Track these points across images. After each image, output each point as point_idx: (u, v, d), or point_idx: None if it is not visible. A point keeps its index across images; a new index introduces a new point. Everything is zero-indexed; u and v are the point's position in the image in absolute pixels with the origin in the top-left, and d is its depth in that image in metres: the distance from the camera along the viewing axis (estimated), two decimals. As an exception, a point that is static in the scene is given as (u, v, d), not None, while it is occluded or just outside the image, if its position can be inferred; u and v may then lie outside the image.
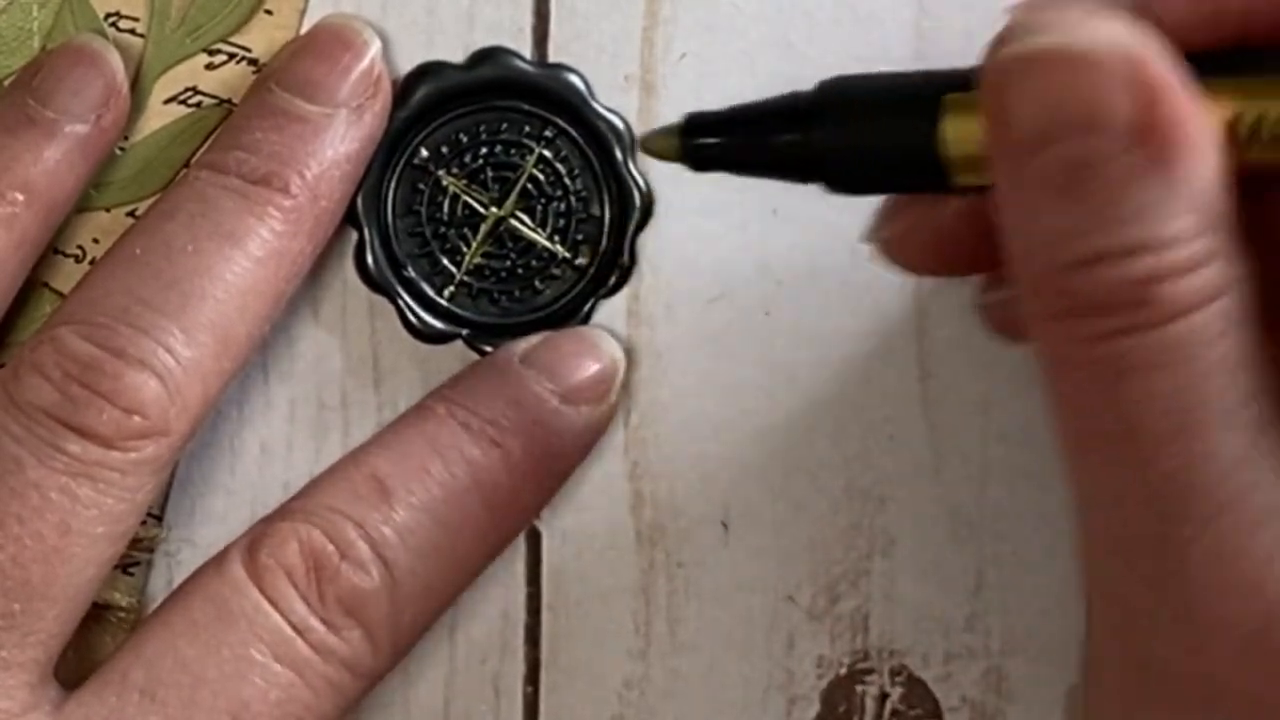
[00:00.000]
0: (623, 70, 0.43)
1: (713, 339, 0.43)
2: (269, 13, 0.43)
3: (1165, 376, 0.33)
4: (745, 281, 0.43)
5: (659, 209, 0.43)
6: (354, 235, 0.43)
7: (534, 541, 0.44)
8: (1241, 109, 0.34)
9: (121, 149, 0.43)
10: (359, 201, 0.43)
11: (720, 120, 0.38)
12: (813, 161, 0.37)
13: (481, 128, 0.43)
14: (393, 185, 0.43)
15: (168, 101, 0.43)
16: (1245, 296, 0.33)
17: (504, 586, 0.44)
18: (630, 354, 0.44)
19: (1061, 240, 0.33)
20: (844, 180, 0.37)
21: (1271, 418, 0.33)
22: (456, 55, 0.43)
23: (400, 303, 0.43)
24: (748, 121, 0.38)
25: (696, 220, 0.43)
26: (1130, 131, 0.33)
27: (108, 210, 0.44)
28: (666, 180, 0.43)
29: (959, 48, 0.43)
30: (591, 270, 0.44)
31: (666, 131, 0.38)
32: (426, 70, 0.43)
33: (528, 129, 0.43)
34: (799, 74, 0.43)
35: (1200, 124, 0.33)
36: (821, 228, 0.43)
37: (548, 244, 0.44)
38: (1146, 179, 0.33)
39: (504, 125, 0.44)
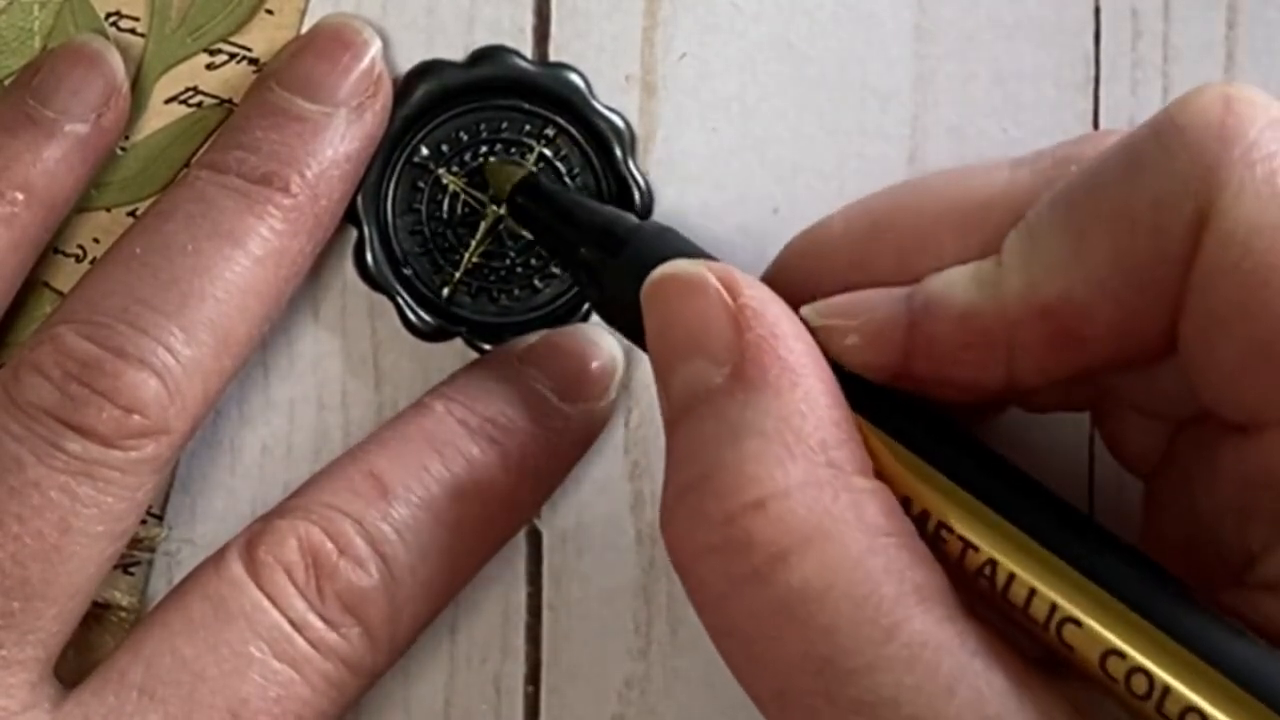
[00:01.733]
0: (623, 70, 0.44)
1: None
2: (270, 12, 0.43)
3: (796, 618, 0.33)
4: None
5: (659, 209, 0.44)
6: (353, 233, 0.43)
7: (534, 541, 0.44)
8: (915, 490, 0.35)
9: (122, 149, 0.43)
10: (359, 199, 0.43)
11: (552, 196, 0.41)
12: (588, 285, 0.40)
13: (482, 126, 0.44)
14: (393, 183, 0.44)
15: (168, 101, 0.44)
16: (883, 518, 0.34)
17: (504, 586, 0.44)
18: (630, 354, 0.44)
19: (673, 475, 0.35)
20: (606, 318, 0.40)
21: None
22: (456, 55, 0.44)
23: (399, 301, 0.43)
24: (567, 216, 0.41)
25: (696, 220, 0.43)
26: (726, 355, 0.35)
27: (108, 210, 0.44)
28: (667, 181, 0.44)
29: (959, 48, 0.43)
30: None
31: (510, 172, 0.42)
32: (427, 69, 0.43)
33: (528, 128, 0.44)
34: (799, 74, 0.44)
35: (797, 350, 0.35)
36: (821, 228, 0.44)
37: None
38: (737, 405, 0.34)
39: (504, 124, 0.44)
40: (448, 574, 0.42)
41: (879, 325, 0.36)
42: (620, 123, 0.44)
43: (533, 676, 0.44)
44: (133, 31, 0.43)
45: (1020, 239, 0.35)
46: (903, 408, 0.36)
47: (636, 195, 0.43)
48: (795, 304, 0.37)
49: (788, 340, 0.35)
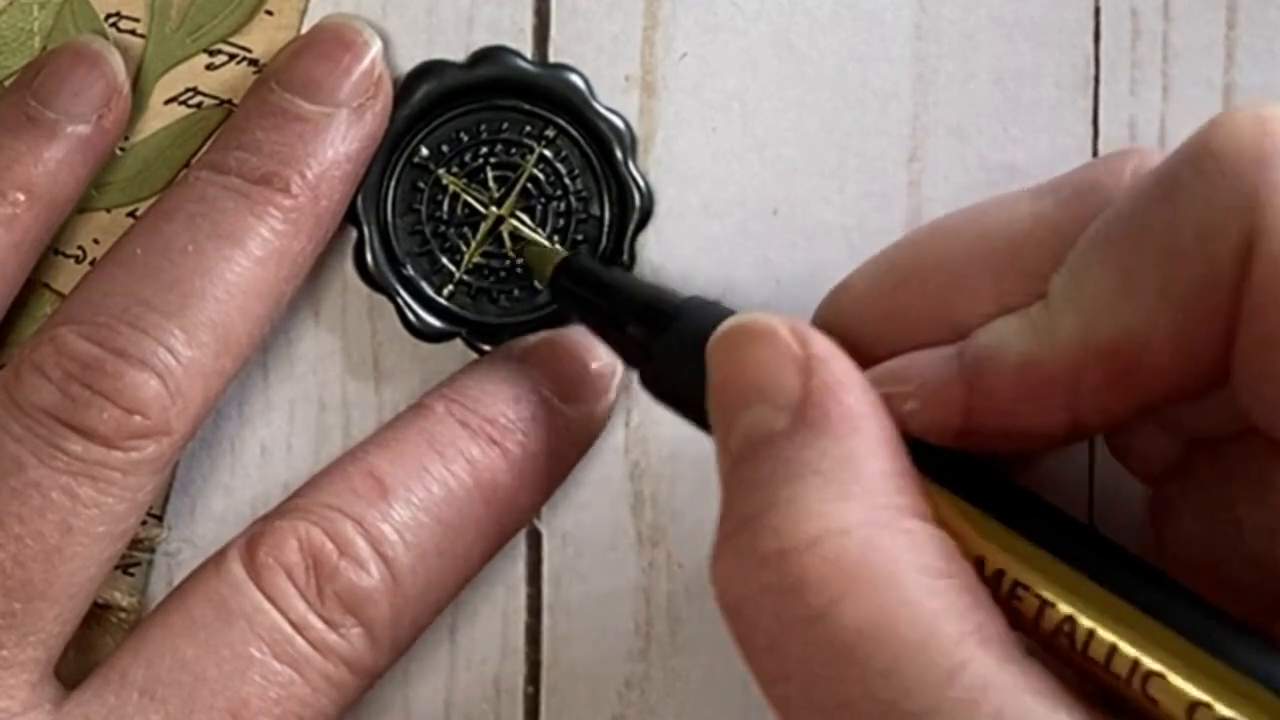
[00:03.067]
0: (623, 70, 0.44)
1: None
2: (270, 13, 0.43)
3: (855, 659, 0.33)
4: (745, 281, 0.43)
5: (659, 210, 0.44)
6: (353, 233, 0.43)
7: (534, 542, 0.44)
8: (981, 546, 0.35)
9: (122, 149, 0.43)
10: (359, 199, 0.43)
11: (596, 274, 0.42)
12: (639, 362, 0.40)
13: (482, 127, 0.44)
14: (393, 184, 0.44)
15: (168, 102, 0.44)
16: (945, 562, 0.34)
17: (505, 587, 0.44)
18: None
19: (727, 516, 0.35)
20: (656, 393, 0.40)
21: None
22: (457, 55, 0.44)
23: (399, 301, 0.43)
24: (612, 295, 0.41)
25: (697, 221, 0.44)
26: (790, 401, 0.35)
27: (108, 210, 0.44)
28: (667, 181, 0.44)
29: (959, 48, 0.43)
30: None
31: (549, 255, 0.42)
32: (427, 69, 0.43)
33: (528, 128, 0.44)
34: (799, 74, 0.43)
35: (862, 398, 0.35)
36: (821, 228, 0.44)
37: (547, 244, 0.44)
38: (797, 446, 0.34)
39: (504, 124, 0.44)
40: (448, 575, 0.42)
41: (935, 386, 0.36)
42: (620, 123, 0.44)
43: (533, 677, 0.44)
44: (133, 32, 0.43)
45: (1066, 281, 0.35)
46: (962, 469, 0.36)
47: (636, 196, 0.43)
48: None
49: (853, 388, 0.35)
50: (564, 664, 0.44)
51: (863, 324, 0.38)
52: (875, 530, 0.33)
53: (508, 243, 0.44)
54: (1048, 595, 0.34)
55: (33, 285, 0.43)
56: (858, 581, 0.33)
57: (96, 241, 0.44)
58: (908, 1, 0.43)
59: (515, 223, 0.44)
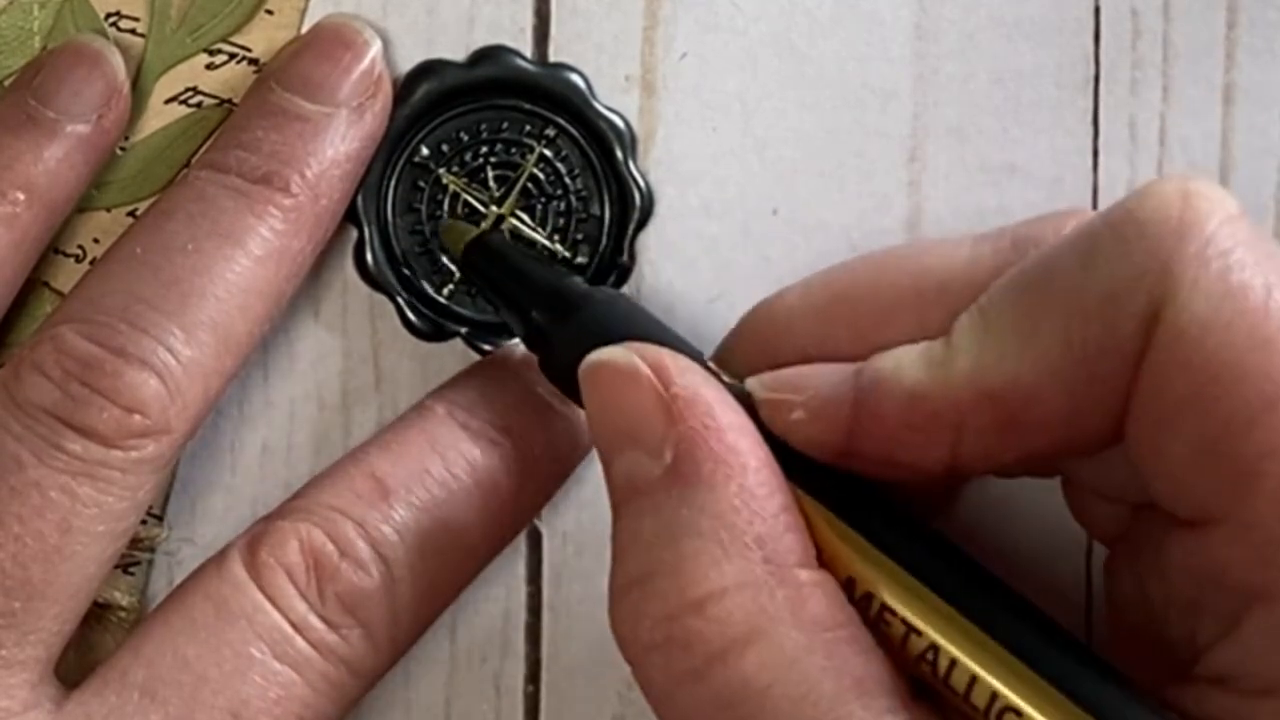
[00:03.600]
0: (623, 70, 0.44)
1: (713, 339, 0.42)
2: (270, 13, 0.43)
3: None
4: (745, 281, 0.43)
5: (660, 210, 0.44)
6: (354, 233, 0.43)
7: (534, 541, 0.44)
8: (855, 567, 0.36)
9: (122, 149, 0.43)
10: (359, 199, 0.43)
11: (506, 256, 0.42)
12: (538, 348, 0.40)
13: (482, 126, 0.44)
14: (393, 183, 0.44)
15: (168, 101, 0.44)
16: (826, 611, 0.35)
17: (505, 586, 0.44)
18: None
19: (617, 568, 0.36)
20: (554, 381, 0.40)
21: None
22: (457, 55, 0.44)
23: (399, 300, 0.44)
24: (519, 278, 0.41)
25: (697, 220, 0.44)
26: (660, 447, 0.35)
27: (108, 210, 0.44)
28: (667, 181, 0.44)
29: (959, 48, 0.43)
30: (591, 270, 0.44)
31: (462, 231, 0.42)
32: (428, 68, 0.43)
33: (528, 128, 0.44)
34: (799, 74, 0.43)
35: (730, 440, 0.35)
36: (821, 228, 0.44)
37: (547, 243, 0.44)
38: (674, 502, 0.35)
39: (505, 124, 0.44)
40: (449, 575, 0.42)
41: (825, 401, 0.36)
42: (620, 123, 0.44)
43: (533, 676, 0.44)
44: (133, 32, 0.43)
45: (972, 322, 0.35)
46: (849, 486, 0.36)
47: (637, 195, 0.43)
48: (750, 372, 0.37)
49: (721, 431, 0.35)
50: (564, 663, 0.44)
51: (790, 337, 0.39)
52: (755, 590, 0.34)
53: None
54: (912, 622, 0.35)
55: (33, 285, 0.43)
56: (739, 642, 0.34)
57: (96, 241, 0.44)
58: (908, 1, 0.43)
59: (515, 222, 0.44)
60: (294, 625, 0.41)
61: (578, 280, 0.41)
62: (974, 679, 0.34)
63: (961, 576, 0.35)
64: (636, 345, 0.37)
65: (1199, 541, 0.35)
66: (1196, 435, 0.33)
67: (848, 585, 0.35)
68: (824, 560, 0.35)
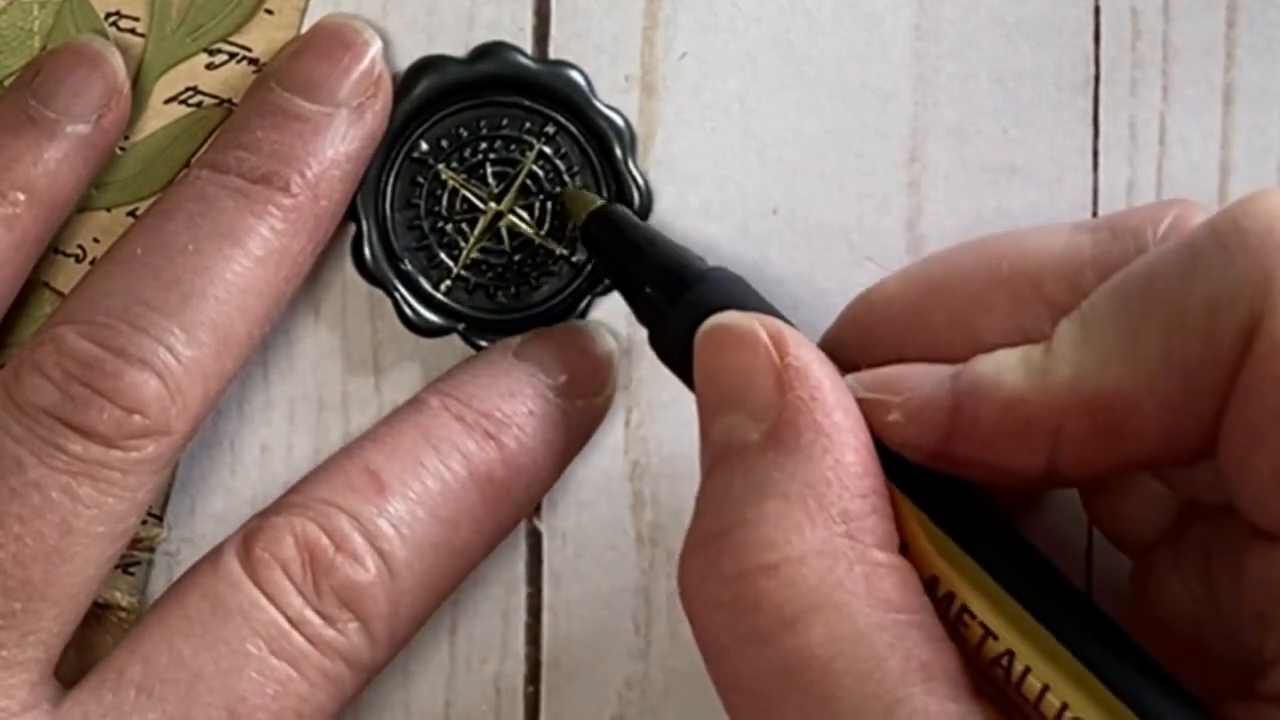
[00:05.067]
0: (623, 70, 0.44)
1: None
2: (269, 12, 0.43)
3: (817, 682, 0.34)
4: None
5: (660, 209, 0.44)
6: (352, 229, 0.44)
7: (534, 542, 0.44)
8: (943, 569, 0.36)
9: (122, 149, 0.44)
10: (358, 194, 0.43)
11: (626, 229, 0.42)
12: (651, 324, 0.40)
13: (482, 123, 0.44)
14: (392, 178, 0.44)
15: (168, 101, 0.44)
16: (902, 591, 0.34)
17: (504, 587, 0.44)
18: (631, 354, 0.44)
19: (697, 524, 0.36)
20: (663, 358, 0.40)
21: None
22: (457, 55, 0.44)
23: (397, 296, 0.44)
24: (637, 253, 0.41)
25: (697, 220, 0.44)
26: (765, 413, 0.35)
27: (108, 210, 0.44)
28: (667, 181, 0.44)
29: (959, 48, 0.43)
30: (588, 268, 0.44)
31: (586, 200, 0.42)
32: (428, 64, 0.44)
33: (528, 125, 0.44)
34: (799, 74, 0.43)
35: (835, 418, 0.35)
36: (821, 228, 0.44)
37: (545, 240, 0.44)
38: (768, 465, 0.35)
39: (504, 121, 0.44)
40: (445, 569, 0.42)
41: (922, 404, 0.36)
42: (620, 121, 0.44)
43: (533, 677, 0.44)
44: (133, 31, 0.43)
45: (1073, 329, 0.35)
46: (940, 486, 0.36)
47: (635, 195, 0.44)
48: (853, 367, 0.37)
49: (827, 405, 0.35)
50: (564, 664, 0.44)
51: (889, 326, 0.39)
52: (833, 561, 0.34)
53: (506, 239, 0.44)
54: (992, 626, 0.35)
55: (33, 285, 0.43)
56: (809, 610, 0.34)
57: (96, 241, 0.44)
58: (908, 1, 0.44)
59: (514, 219, 0.44)
60: (290, 620, 0.41)
61: (698, 258, 0.41)
62: (1046, 688, 0.34)
63: (1044, 585, 0.35)
64: (757, 315, 0.37)
65: (1278, 557, 0.34)
66: None
67: (930, 584, 0.35)
68: (909, 556, 0.35)
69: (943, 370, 0.36)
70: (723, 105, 0.44)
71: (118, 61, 0.43)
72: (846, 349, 0.38)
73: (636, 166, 0.44)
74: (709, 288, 0.39)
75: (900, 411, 0.36)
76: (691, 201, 0.44)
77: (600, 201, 0.43)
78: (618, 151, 0.44)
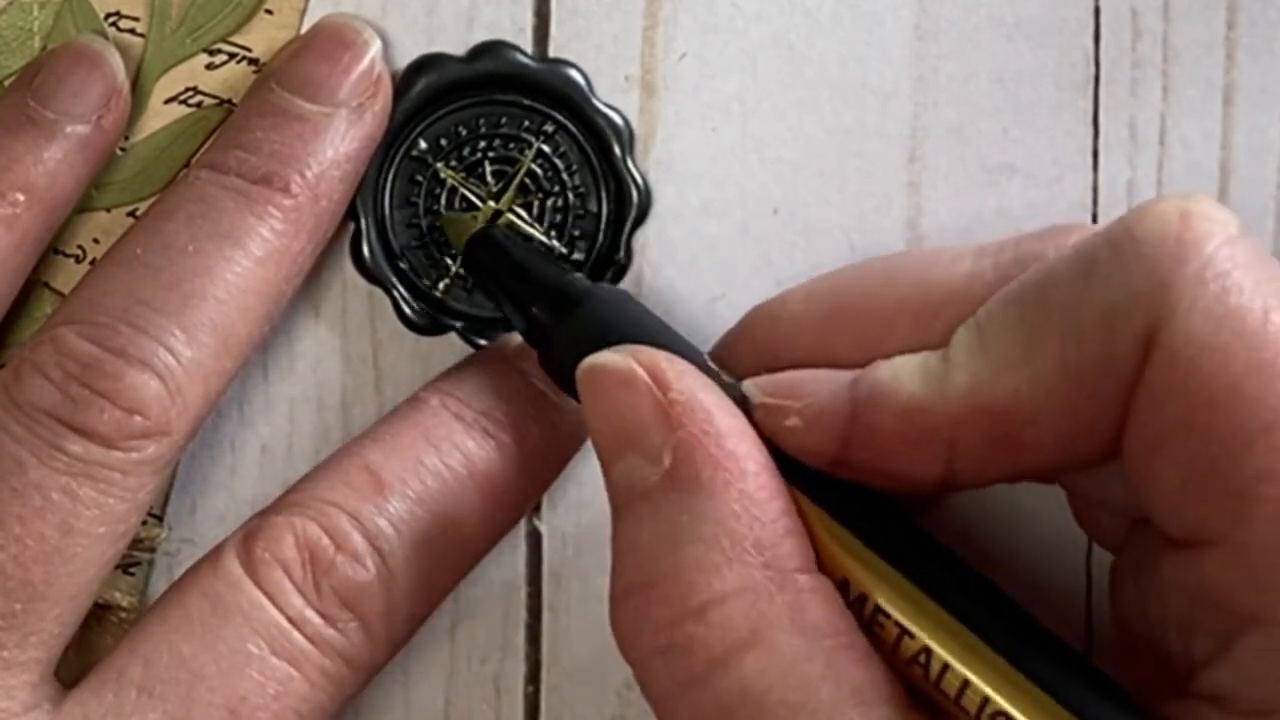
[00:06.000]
0: (623, 70, 0.44)
1: (712, 339, 0.43)
2: (269, 12, 0.44)
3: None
4: (745, 281, 0.44)
5: (659, 210, 0.44)
6: (350, 226, 0.44)
7: (534, 542, 0.45)
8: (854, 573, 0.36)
9: (122, 149, 0.44)
10: (356, 192, 0.43)
11: (508, 251, 0.42)
12: (539, 344, 0.40)
13: (481, 121, 0.44)
14: (390, 176, 0.44)
15: (168, 101, 0.44)
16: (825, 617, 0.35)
17: (505, 587, 0.45)
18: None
19: (618, 573, 0.36)
20: (555, 378, 0.40)
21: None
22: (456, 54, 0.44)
23: (395, 294, 0.44)
24: (521, 274, 0.41)
25: (696, 220, 0.44)
26: (658, 453, 0.35)
27: (108, 210, 0.44)
28: (667, 181, 0.44)
29: (959, 48, 0.43)
30: (587, 266, 0.44)
31: (465, 224, 0.42)
32: (427, 63, 0.44)
33: (527, 124, 0.44)
34: (799, 74, 0.43)
35: (729, 446, 0.35)
36: (821, 228, 0.44)
37: (544, 239, 0.44)
38: (673, 507, 0.35)
39: (503, 119, 0.44)
40: (445, 568, 0.42)
41: (820, 410, 0.36)
42: (619, 120, 0.44)
43: (533, 676, 0.45)
44: (133, 32, 0.43)
45: (969, 337, 0.36)
46: (843, 488, 0.36)
47: (634, 193, 0.44)
48: (749, 374, 0.37)
49: (720, 436, 0.35)
50: (564, 663, 0.45)
51: (791, 340, 0.39)
52: (755, 595, 0.35)
53: None
54: (907, 625, 0.35)
55: (33, 285, 0.43)
56: (738, 648, 0.34)
57: (96, 241, 0.44)
58: (908, 1, 0.44)
59: (512, 217, 0.44)
60: (290, 620, 0.41)
61: (579, 277, 0.41)
62: (965, 683, 0.34)
63: (955, 580, 0.36)
64: (633, 348, 0.37)
65: (1194, 562, 0.35)
66: (1192, 457, 0.34)
67: (842, 587, 0.36)
68: (819, 563, 0.36)
69: (841, 376, 0.37)
70: (723, 105, 0.44)
71: (117, 62, 0.43)
72: (744, 358, 0.39)
73: (636, 166, 0.44)
74: (593, 308, 0.40)
75: (799, 417, 0.36)
76: (691, 201, 0.44)
77: (479, 225, 0.43)
78: (617, 151, 0.44)
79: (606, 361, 0.37)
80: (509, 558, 0.45)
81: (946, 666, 0.35)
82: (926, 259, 0.39)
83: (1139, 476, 0.35)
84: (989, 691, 0.34)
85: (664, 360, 0.37)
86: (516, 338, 0.44)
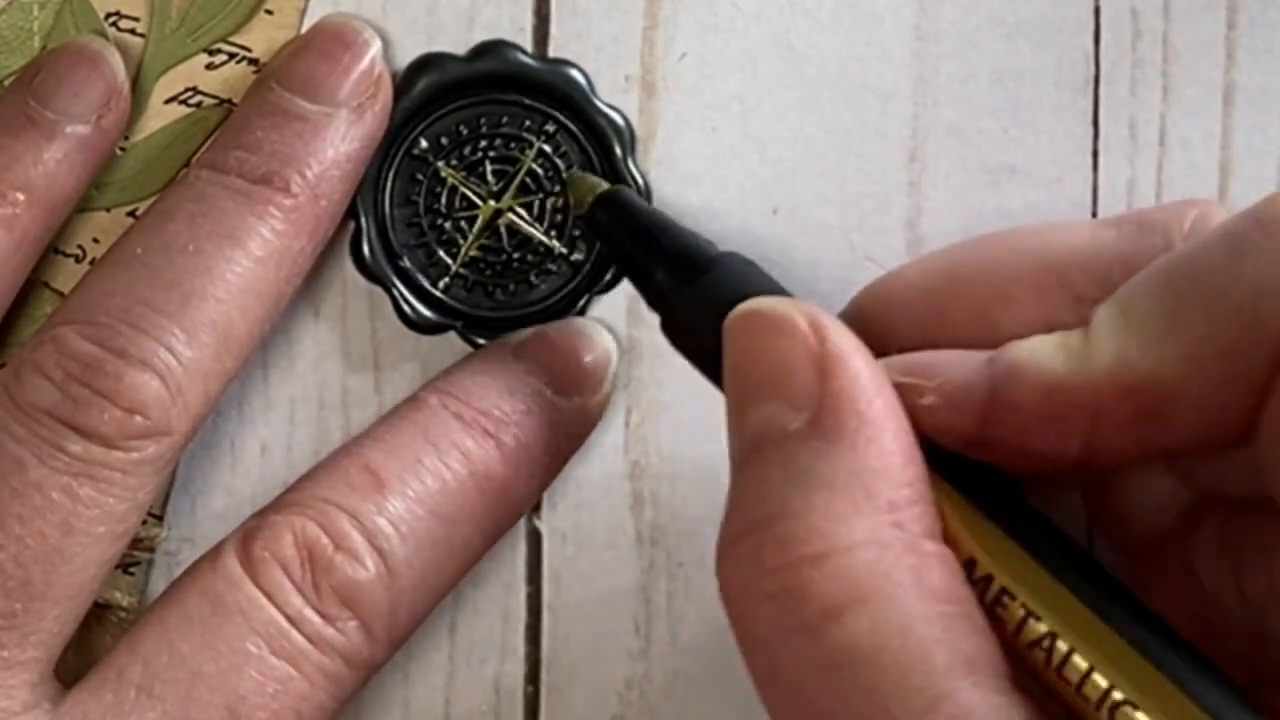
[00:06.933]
0: (623, 70, 0.44)
1: None
2: (269, 12, 0.44)
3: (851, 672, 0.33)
4: (745, 281, 0.44)
5: (660, 209, 0.44)
6: (351, 225, 0.44)
7: (534, 541, 0.45)
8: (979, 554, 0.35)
9: (122, 149, 0.44)
10: (357, 191, 0.43)
11: (633, 214, 0.41)
12: (661, 309, 0.40)
13: (482, 120, 0.44)
14: (391, 175, 0.44)
15: (168, 101, 0.44)
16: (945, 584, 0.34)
17: (504, 587, 0.45)
18: (631, 353, 0.44)
19: (735, 514, 0.35)
20: (675, 344, 0.40)
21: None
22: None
23: (395, 293, 0.44)
24: (645, 237, 0.40)
25: (697, 221, 0.44)
26: (805, 402, 0.35)
27: (108, 210, 0.44)
28: (667, 181, 0.44)
29: (959, 48, 0.44)
30: (587, 266, 0.44)
31: (591, 184, 0.42)
32: (428, 62, 0.44)
33: (528, 123, 0.44)
34: (799, 74, 0.43)
35: (878, 406, 0.35)
36: (821, 228, 0.44)
37: (544, 238, 0.44)
38: (811, 454, 0.34)
39: (504, 119, 0.44)
40: (444, 567, 0.43)
41: (958, 388, 0.36)
42: (620, 120, 0.44)
43: (533, 676, 0.45)
44: (133, 32, 0.44)
45: (1112, 314, 0.35)
46: (971, 470, 0.36)
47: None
48: (874, 353, 0.37)
49: (869, 393, 0.35)
50: (564, 664, 0.45)
51: (907, 314, 0.39)
52: (881, 551, 0.34)
53: (504, 237, 0.44)
54: (1033, 608, 0.35)
55: (33, 285, 0.43)
56: (856, 601, 0.33)
57: (96, 241, 0.44)
58: (908, 1, 0.44)
59: (513, 217, 0.44)
60: (290, 619, 0.41)
61: (708, 242, 0.40)
62: (1090, 670, 0.34)
63: (1082, 568, 0.35)
64: (792, 300, 0.37)
65: None
66: None
67: (968, 566, 0.35)
68: (946, 540, 0.35)
69: (976, 356, 0.36)
70: (723, 105, 0.44)
71: (117, 61, 0.43)
72: (861, 335, 0.37)
73: (636, 166, 0.44)
74: (724, 272, 0.39)
75: (935, 395, 0.36)
76: (691, 201, 0.44)
77: (605, 185, 0.43)
78: (618, 151, 0.44)
79: (766, 306, 0.36)
80: (509, 557, 0.45)
81: (1071, 651, 0.34)
82: (1043, 230, 0.39)
83: (1273, 458, 0.34)
84: (1112, 679, 0.34)
85: (823, 314, 0.36)
86: (517, 336, 0.44)
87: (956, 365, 0.36)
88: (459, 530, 0.42)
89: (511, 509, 0.44)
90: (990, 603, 0.35)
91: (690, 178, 0.44)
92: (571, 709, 0.45)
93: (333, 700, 0.42)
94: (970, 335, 0.37)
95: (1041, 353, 0.35)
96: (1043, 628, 0.35)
